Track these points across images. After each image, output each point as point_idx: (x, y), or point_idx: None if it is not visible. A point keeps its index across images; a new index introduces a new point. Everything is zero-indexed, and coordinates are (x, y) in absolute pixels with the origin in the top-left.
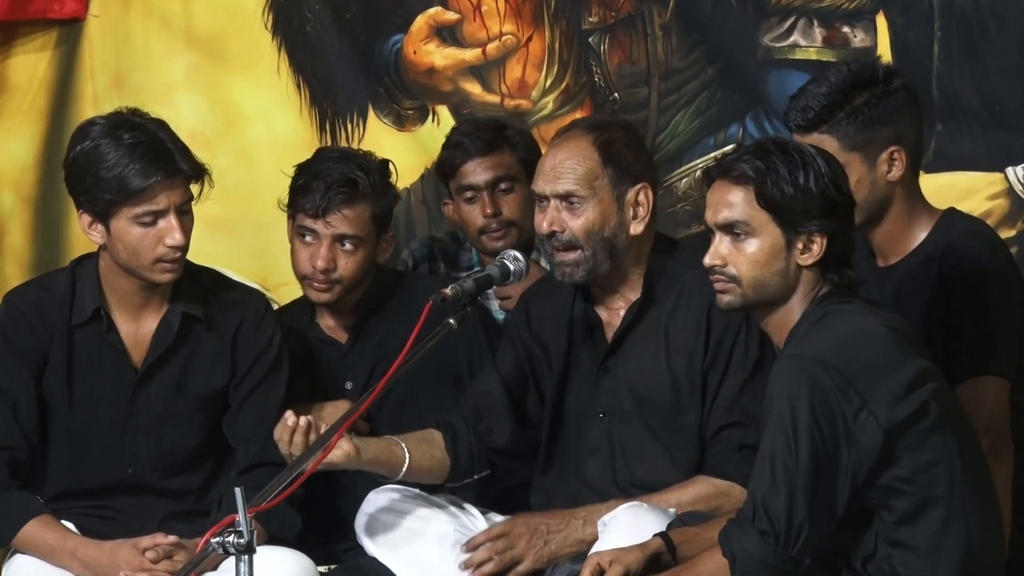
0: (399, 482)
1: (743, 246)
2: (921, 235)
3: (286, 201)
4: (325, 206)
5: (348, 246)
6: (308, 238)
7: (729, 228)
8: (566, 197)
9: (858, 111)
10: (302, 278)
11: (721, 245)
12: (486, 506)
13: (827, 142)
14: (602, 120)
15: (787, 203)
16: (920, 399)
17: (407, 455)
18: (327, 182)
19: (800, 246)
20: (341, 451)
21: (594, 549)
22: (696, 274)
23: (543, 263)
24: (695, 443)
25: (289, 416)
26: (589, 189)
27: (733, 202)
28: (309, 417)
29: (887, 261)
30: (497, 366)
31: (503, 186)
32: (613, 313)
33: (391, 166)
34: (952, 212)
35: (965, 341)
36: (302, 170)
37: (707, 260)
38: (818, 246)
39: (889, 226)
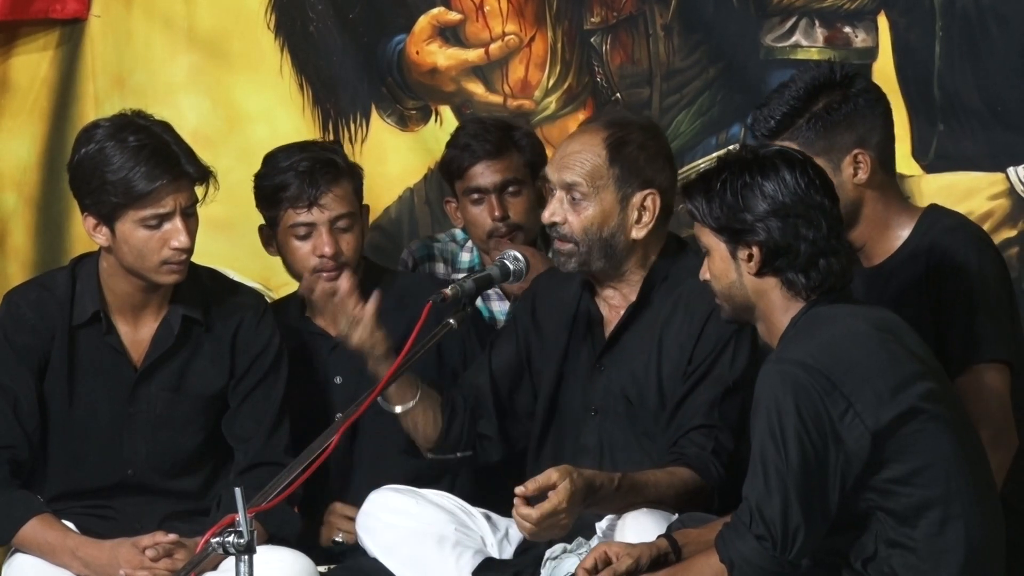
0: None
1: (707, 263)
2: (903, 233)
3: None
4: (314, 192)
5: (343, 225)
6: (304, 232)
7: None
8: (569, 189)
9: (817, 116)
10: (312, 274)
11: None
12: (485, 507)
13: None
14: (624, 118)
15: (716, 220)
16: (908, 401)
17: (417, 395)
18: (305, 171)
19: (744, 256)
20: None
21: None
22: (696, 283)
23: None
24: None
25: None
26: (592, 187)
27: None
28: None
29: (871, 262)
30: (491, 359)
31: (511, 189)
32: (614, 312)
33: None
34: (933, 208)
35: (957, 333)
36: (267, 175)
37: (700, 277)
38: (755, 255)
39: (866, 228)
